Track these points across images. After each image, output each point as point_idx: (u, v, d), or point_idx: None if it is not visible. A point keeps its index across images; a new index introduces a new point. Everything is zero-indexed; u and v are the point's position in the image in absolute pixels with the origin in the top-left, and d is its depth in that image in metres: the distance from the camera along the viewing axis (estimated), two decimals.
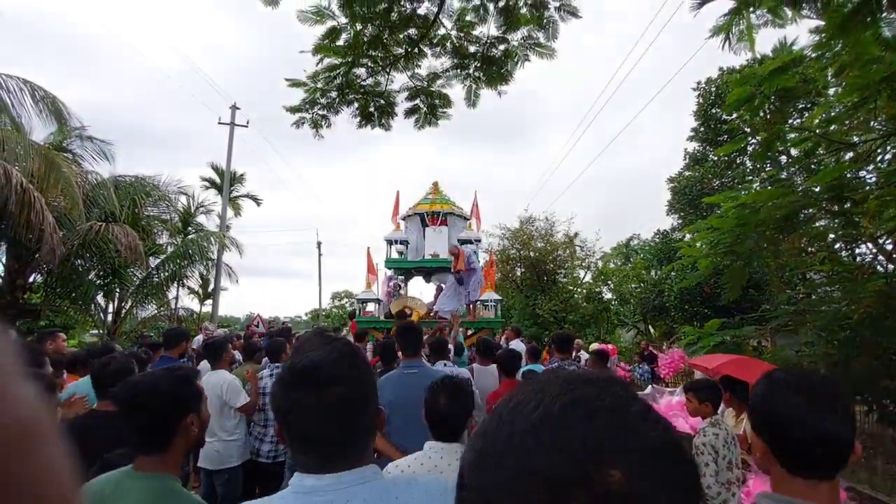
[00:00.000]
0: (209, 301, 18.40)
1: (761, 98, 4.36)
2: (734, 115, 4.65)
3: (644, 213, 56.03)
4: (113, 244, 9.36)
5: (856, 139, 4.26)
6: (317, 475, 0.79)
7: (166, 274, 11.85)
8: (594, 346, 12.62)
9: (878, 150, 4.30)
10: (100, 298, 11.33)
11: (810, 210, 4.31)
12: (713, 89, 14.51)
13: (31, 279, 10.03)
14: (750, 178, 13.17)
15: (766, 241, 4.30)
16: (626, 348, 14.54)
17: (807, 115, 7.14)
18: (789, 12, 3.38)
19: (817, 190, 4.41)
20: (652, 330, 18.15)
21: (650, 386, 5.13)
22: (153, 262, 11.86)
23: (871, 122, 4.32)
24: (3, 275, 9.28)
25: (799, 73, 4.69)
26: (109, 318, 11.53)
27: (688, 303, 12.30)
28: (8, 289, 9.31)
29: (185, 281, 14.02)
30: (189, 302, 19.08)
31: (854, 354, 5.02)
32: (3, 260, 9.21)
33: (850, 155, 4.78)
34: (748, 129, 5.46)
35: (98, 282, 10.81)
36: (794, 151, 6.58)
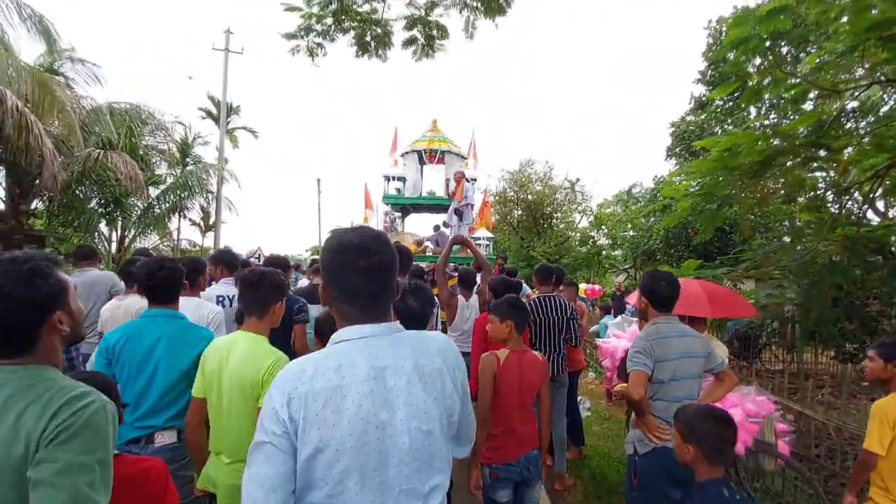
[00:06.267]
0: (211, 233, 18.72)
1: (757, 40, 4.35)
2: (729, 56, 4.66)
3: (651, 160, 55.02)
4: (113, 172, 9.46)
5: (841, 87, 4.32)
6: (370, 324, 1.01)
7: (167, 205, 11.98)
8: (584, 286, 13.15)
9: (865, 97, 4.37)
10: (103, 227, 11.57)
11: (790, 157, 4.44)
12: (723, 29, 13.92)
13: (33, 205, 10.18)
14: (752, 124, 13.00)
15: (741, 185, 4.47)
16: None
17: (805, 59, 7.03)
18: None
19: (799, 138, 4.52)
20: (640, 274, 18.67)
21: (620, 316, 5.51)
22: (153, 192, 11.97)
23: (856, 71, 4.35)
24: (4, 199, 9.42)
25: (800, 15, 4.64)
26: (113, 246, 11.83)
27: (673, 246, 12.61)
28: (11, 214, 9.48)
29: (185, 212, 14.22)
30: (191, 234, 19.45)
31: (816, 299, 5.36)
32: (4, 184, 9.31)
33: (837, 103, 4.84)
34: (748, 72, 5.46)
35: (100, 210, 11.00)
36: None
